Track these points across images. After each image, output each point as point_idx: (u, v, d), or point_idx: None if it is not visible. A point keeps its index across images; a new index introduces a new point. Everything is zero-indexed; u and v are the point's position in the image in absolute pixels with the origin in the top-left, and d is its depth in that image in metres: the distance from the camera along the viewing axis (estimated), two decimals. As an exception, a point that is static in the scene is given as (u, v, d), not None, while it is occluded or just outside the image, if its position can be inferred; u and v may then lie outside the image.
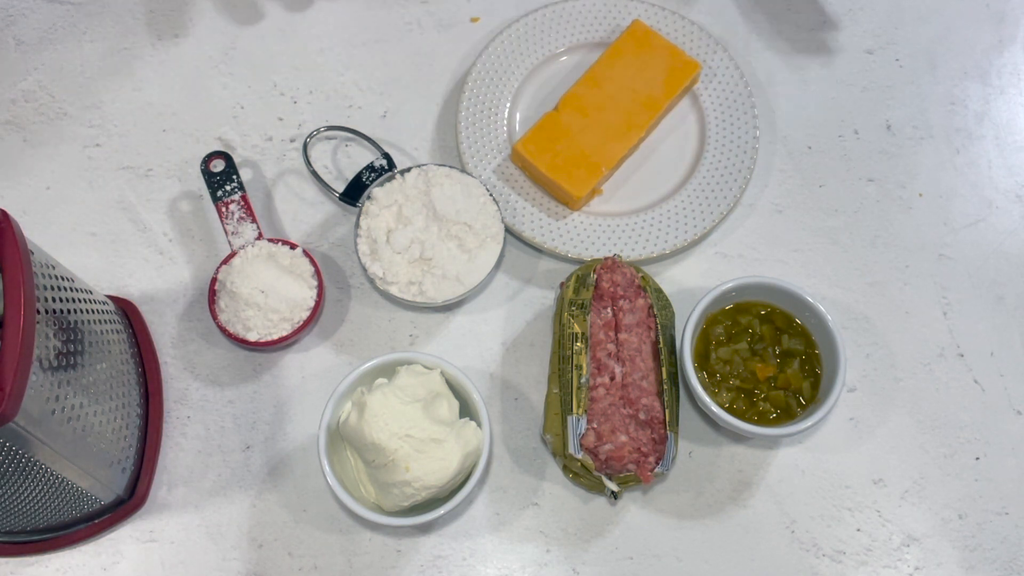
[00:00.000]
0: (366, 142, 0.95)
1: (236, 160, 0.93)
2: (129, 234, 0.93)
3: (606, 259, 0.84)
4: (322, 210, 0.94)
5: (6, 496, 0.70)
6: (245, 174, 0.95)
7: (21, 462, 0.67)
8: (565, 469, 0.83)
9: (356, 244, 0.88)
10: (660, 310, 0.83)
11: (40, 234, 0.92)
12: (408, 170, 0.90)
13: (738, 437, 0.85)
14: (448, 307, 0.90)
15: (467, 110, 0.95)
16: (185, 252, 0.92)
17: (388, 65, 1.01)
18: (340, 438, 0.80)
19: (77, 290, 0.75)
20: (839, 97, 1.00)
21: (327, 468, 0.76)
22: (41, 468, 0.69)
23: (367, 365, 0.80)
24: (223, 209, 0.89)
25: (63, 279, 0.73)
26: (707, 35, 0.99)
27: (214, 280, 0.87)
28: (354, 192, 0.90)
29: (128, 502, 0.81)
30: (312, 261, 0.88)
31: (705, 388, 0.81)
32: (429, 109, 0.99)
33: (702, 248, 0.93)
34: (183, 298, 0.90)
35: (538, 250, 0.92)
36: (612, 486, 0.78)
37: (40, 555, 0.81)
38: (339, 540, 0.82)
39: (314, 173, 0.92)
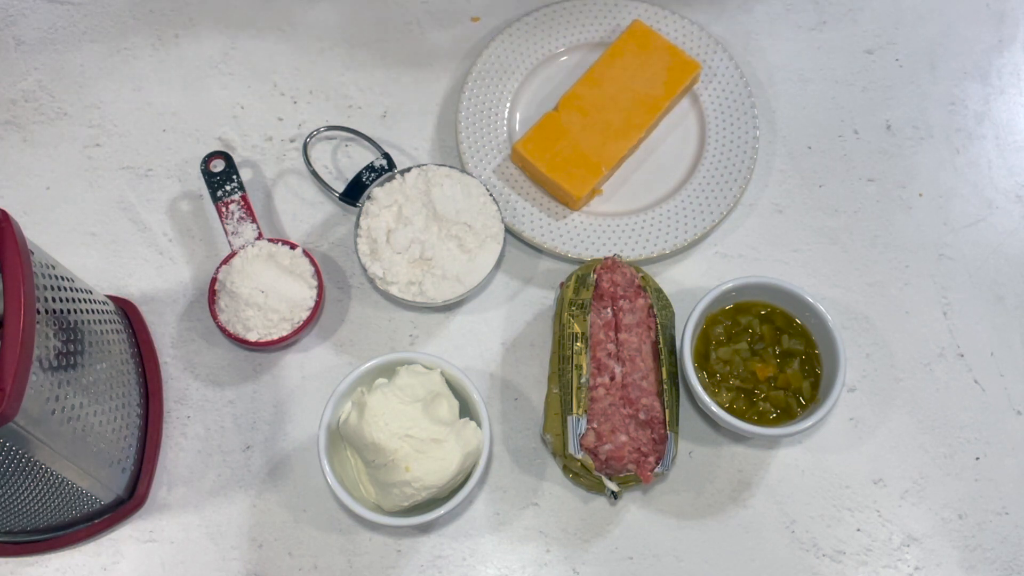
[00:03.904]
0: (366, 142, 0.95)
1: (236, 160, 0.93)
2: (129, 234, 0.93)
3: (606, 259, 0.84)
4: (322, 210, 0.94)
5: (6, 496, 0.70)
6: (245, 174, 0.95)
7: (21, 462, 0.67)
8: (565, 469, 0.83)
9: (356, 244, 0.88)
10: (660, 310, 0.83)
11: (40, 234, 0.92)
12: (408, 170, 0.90)
13: (738, 437, 0.85)
14: (448, 307, 0.90)
15: (467, 110, 0.95)
16: (185, 252, 0.92)
17: (388, 65, 1.01)
18: (340, 438, 0.80)
19: (77, 290, 0.75)
20: (839, 97, 1.00)
21: (327, 468, 0.76)
22: (41, 468, 0.69)
23: (367, 365, 0.80)
24: (223, 209, 0.89)
25: (63, 279, 0.73)
26: (707, 35, 0.99)
27: (214, 280, 0.87)
28: (354, 192, 0.90)
29: (128, 502, 0.81)
30: (312, 261, 0.88)
31: (705, 388, 0.81)
32: (429, 109, 0.99)
33: (702, 248, 0.93)
34: (183, 298, 0.90)
35: (538, 250, 0.92)
36: (612, 486, 0.78)
37: (40, 555, 0.81)
38: (339, 540, 0.82)
39: (314, 173, 0.92)
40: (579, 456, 0.77)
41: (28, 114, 0.97)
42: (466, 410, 0.81)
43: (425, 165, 0.90)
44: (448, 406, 0.78)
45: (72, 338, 0.71)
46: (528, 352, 0.89)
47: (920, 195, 0.96)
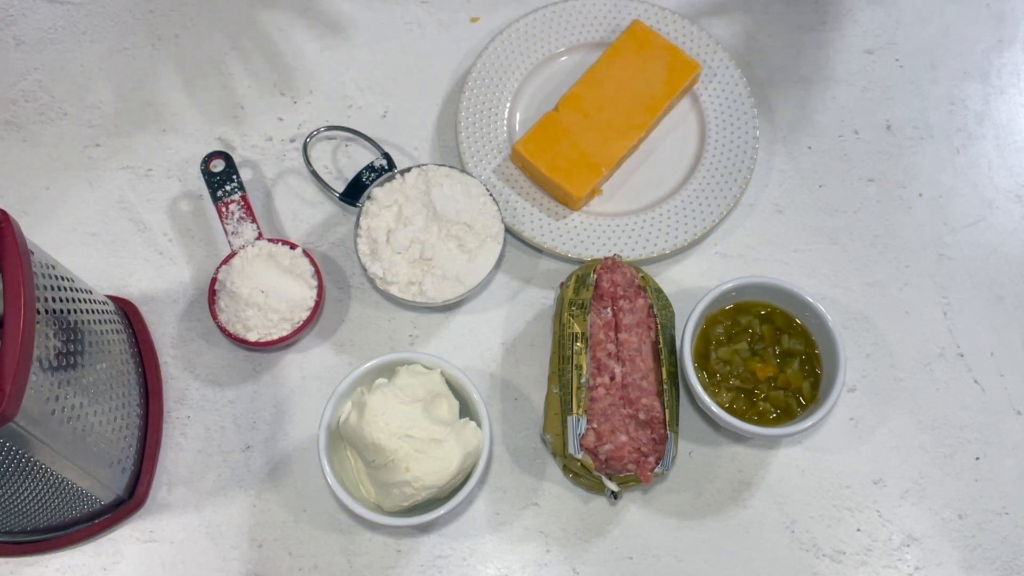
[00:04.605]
0: (366, 142, 0.95)
1: (236, 160, 0.93)
2: (129, 234, 0.93)
3: (606, 259, 0.84)
4: (322, 210, 0.94)
5: (6, 496, 0.70)
6: (245, 174, 0.95)
7: (21, 462, 0.67)
8: (565, 469, 0.83)
9: (356, 244, 0.88)
10: (660, 310, 0.83)
11: (40, 234, 0.92)
12: (408, 170, 0.90)
13: (738, 437, 0.85)
14: (448, 307, 0.90)
15: (467, 110, 0.95)
16: (185, 252, 0.92)
17: (388, 65, 1.01)
18: (340, 438, 0.80)
19: (77, 290, 0.75)
20: (839, 97, 1.00)
21: (327, 468, 0.76)
22: (41, 468, 0.69)
23: (367, 365, 0.80)
24: (223, 209, 0.89)
25: (63, 279, 0.73)
26: (707, 35, 0.99)
27: (214, 280, 0.87)
28: (354, 192, 0.90)
29: (128, 502, 0.81)
30: (312, 261, 0.88)
31: (705, 388, 0.81)
32: (429, 109, 0.99)
33: (702, 248, 0.93)
34: (183, 298, 0.90)
35: (538, 250, 0.92)
36: (612, 486, 0.78)
37: (40, 555, 0.81)
38: (339, 540, 0.82)
39: (314, 173, 0.92)
40: (579, 456, 0.77)
41: (28, 114, 0.97)
42: (466, 410, 0.81)
43: (425, 165, 0.90)
44: (448, 406, 0.78)
45: (72, 338, 0.71)
46: (528, 352, 0.89)
47: (920, 195, 0.96)
